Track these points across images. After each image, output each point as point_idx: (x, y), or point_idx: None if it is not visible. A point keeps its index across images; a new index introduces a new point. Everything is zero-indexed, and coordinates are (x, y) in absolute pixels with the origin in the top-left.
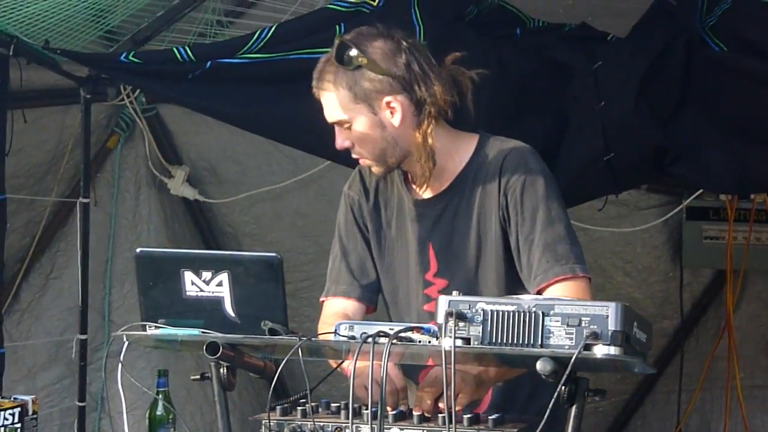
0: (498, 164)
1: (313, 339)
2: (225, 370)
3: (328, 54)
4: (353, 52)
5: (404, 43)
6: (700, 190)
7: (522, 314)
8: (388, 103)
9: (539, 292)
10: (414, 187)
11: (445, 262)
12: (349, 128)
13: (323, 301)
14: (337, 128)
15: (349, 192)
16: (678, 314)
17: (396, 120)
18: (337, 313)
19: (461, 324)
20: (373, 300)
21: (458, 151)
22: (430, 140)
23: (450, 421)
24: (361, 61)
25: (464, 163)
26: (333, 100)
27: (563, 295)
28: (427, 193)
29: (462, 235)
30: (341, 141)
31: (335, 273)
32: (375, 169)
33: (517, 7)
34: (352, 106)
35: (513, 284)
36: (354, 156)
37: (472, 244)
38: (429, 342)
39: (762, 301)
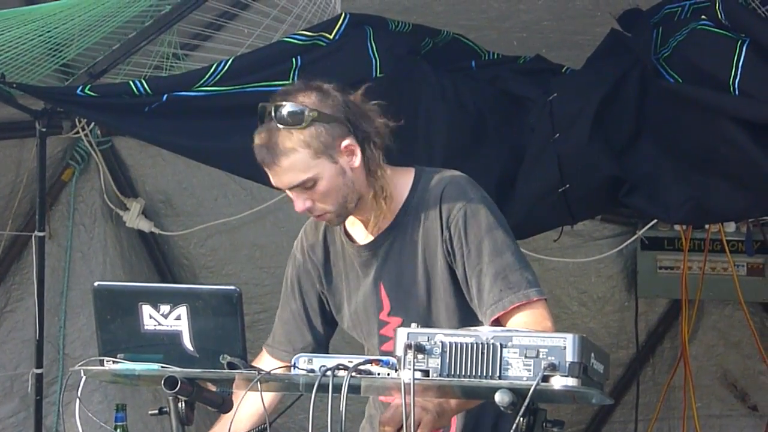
0: (437, 197)
1: (271, 373)
2: (183, 405)
3: (264, 127)
4: (300, 109)
5: (325, 86)
6: (655, 221)
7: (480, 346)
8: (346, 147)
9: (496, 321)
10: (352, 234)
11: (397, 300)
12: (312, 186)
13: (265, 348)
14: (294, 192)
15: (298, 254)
16: (633, 344)
17: (356, 161)
18: None
19: (420, 356)
20: None
21: (396, 187)
22: (380, 172)
23: None
24: (312, 115)
25: (403, 199)
26: (292, 166)
27: (523, 322)
28: (368, 238)
29: (410, 271)
30: (302, 204)
31: (276, 327)
32: (334, 221)
33: (471, 40)
34: (314, 164)
35: (466, 315)
36: (315, 214)
37: (421, 279)
38: (388, 374)
39: (717, 330)
